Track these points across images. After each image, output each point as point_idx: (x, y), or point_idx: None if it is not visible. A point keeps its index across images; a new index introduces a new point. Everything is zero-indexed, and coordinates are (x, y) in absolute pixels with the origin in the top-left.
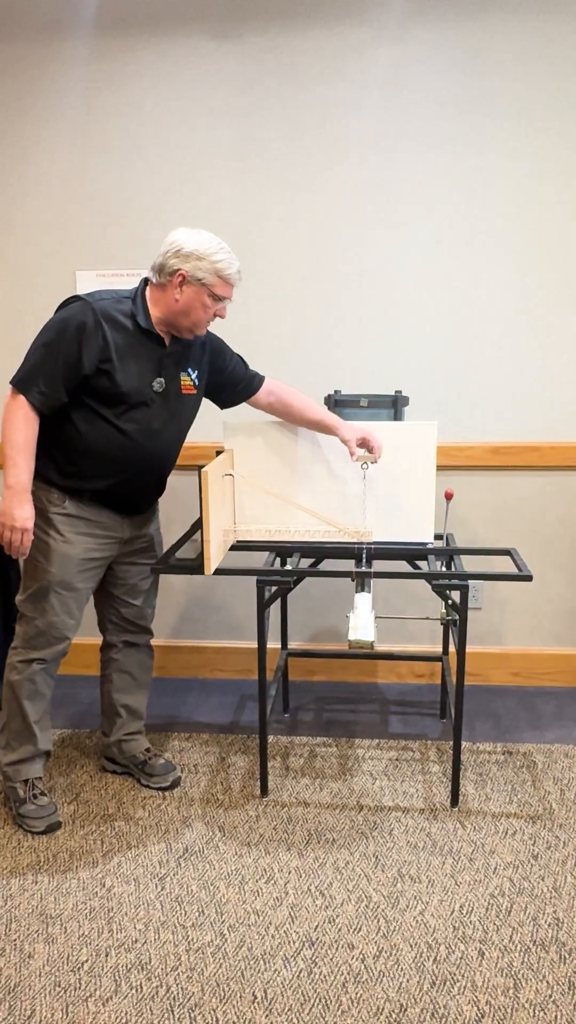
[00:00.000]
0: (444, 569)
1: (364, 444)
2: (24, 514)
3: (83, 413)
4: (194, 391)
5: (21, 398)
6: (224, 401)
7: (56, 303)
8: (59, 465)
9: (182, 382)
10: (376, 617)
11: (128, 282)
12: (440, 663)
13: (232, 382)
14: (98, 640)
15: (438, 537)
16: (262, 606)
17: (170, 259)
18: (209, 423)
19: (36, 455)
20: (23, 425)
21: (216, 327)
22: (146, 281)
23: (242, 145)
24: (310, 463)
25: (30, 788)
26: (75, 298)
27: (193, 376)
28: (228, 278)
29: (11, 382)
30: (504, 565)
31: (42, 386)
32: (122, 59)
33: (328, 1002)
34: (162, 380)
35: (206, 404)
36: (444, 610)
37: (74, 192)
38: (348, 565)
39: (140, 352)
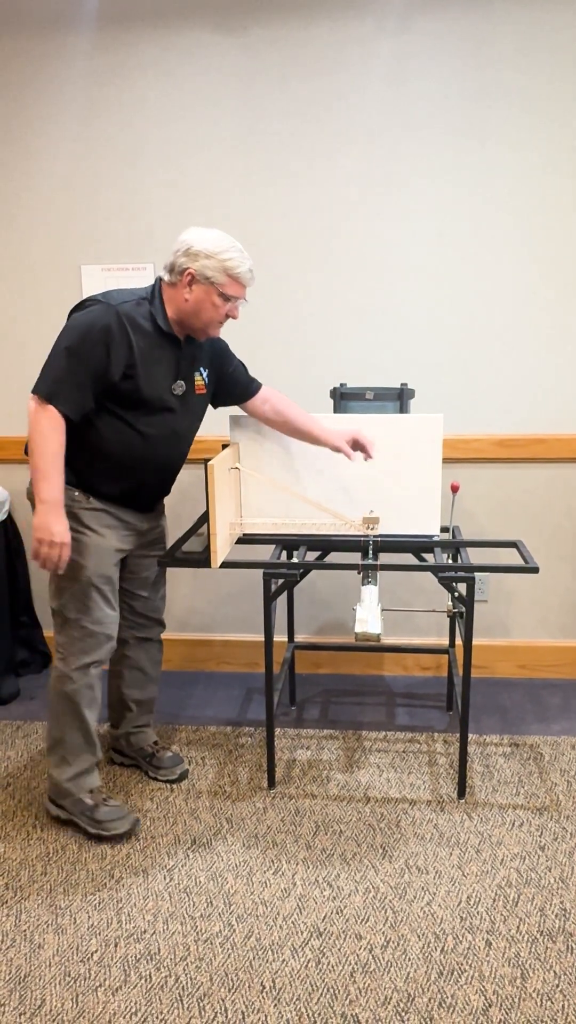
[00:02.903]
0: (450, 562)
1: (355, 444)
2: (62, 528)
3: (104, 417)
4: (205, 391)
5: (50, 408)
6: (218, 402)
7: (60, 298)
8: (77, 468)
9: (196, 382)
10: (382, 610)
11: (132, 276)
12: (446, 655)
13: (232, 384)
14: None
15: (444, 530)
16: (268, 599)
17: (180, 258)
18: (215, 417)
19: None
20: (53, 435)
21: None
22: (161, 280)
23: (245, 138)
24: (316, 456)
25: (97, 794)
26: (92, 300)
27: (204, 375)
28: (238, 277)
29: (34, 392)
30: (510, 557)
31: (71, 393)
32: (124, 53)
33: (336, 992)
34: (181, 383)
35: None
36: (450, 603)
37: (77, 186)
38: (354, 558)
39: (160, 356)
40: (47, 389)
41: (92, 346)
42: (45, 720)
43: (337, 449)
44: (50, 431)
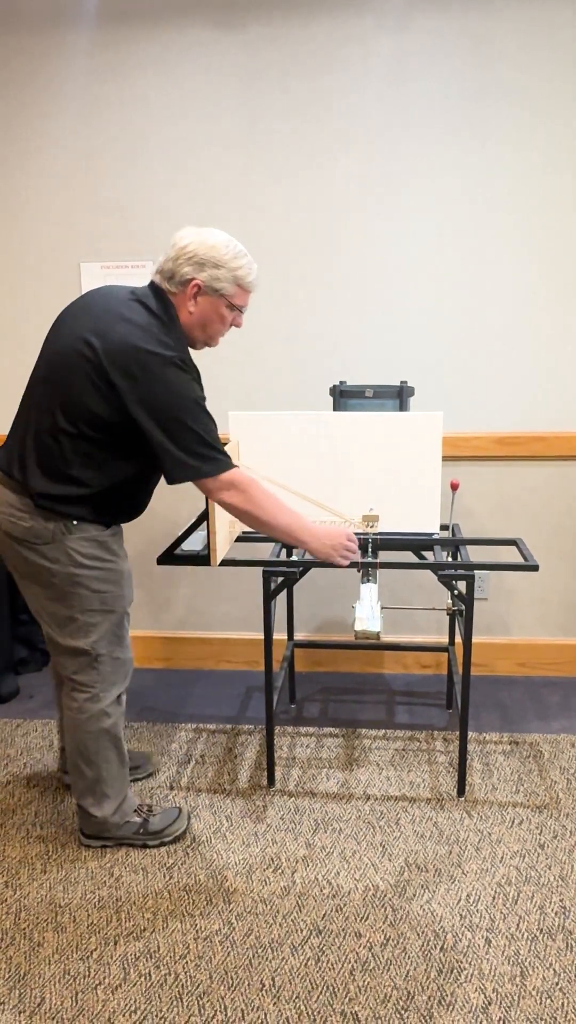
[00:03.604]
0: (450, 559)
1: None
2: (333, 530)
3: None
4: None
5: (228, 474)
6: None
7: (60, 296)
8: (97, 501)
9: None
10: (382, 608)
11: (131, 274)
12: (446, 653)
13: None
14: None
15: (444, 527)
16: (268, 597)
17: (182, 266)
18: (214, 415)
19: (85, 502)
20: (260, 493)
21: None
22: (157, 294)
23: (245, 136)
24: (316, 454)
25: (141, 809)
26: (149, 353)
27: None
28: (248, 286)
29: (210, 476)
30: (510, 555)
31: (222, 447)
32: (124, 50)
33: (336, 990)
34: None
35: (213, 396)
36: (450, 600)
37: (77, 184)
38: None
39: None
40: (215, 464)
41: (205, 406)
42: (39, 715)
43: None
44: (258, 492)
